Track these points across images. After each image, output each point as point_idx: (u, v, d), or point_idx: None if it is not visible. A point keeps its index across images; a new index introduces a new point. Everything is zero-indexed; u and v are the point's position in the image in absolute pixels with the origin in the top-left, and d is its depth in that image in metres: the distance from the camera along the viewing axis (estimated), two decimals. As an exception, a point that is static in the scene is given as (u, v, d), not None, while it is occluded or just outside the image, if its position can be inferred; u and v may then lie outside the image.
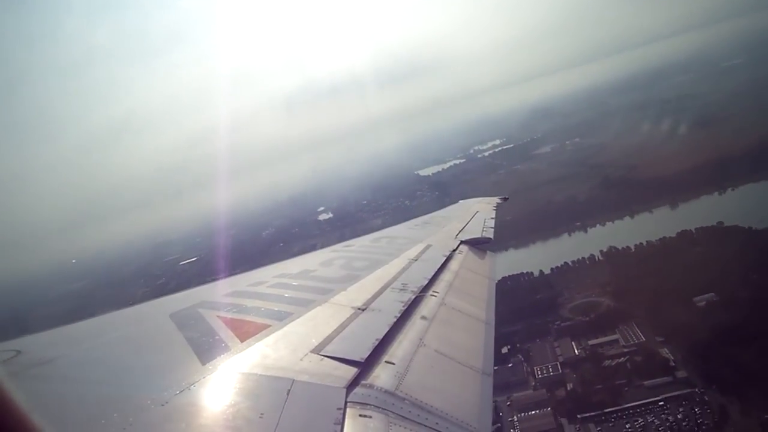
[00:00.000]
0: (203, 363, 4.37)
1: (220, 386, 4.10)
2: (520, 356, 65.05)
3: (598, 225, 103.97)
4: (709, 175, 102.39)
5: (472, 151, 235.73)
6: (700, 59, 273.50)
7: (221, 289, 6.93)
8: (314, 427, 3.67)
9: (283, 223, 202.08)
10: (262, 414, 3.65)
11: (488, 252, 9.80)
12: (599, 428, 49.75)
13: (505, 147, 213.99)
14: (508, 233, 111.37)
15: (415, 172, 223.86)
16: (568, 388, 55.97)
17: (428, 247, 9.30)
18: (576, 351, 62.10)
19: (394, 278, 7.25)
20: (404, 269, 7.79)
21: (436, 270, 7.88)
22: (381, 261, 8.28)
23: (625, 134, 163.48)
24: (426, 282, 7.20)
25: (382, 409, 4.00)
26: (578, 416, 51.20)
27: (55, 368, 4.46)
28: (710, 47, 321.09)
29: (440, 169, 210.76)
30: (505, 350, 66.51)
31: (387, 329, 5.37)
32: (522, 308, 74.65)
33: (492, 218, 12.34)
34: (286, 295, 6.53)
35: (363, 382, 4.31)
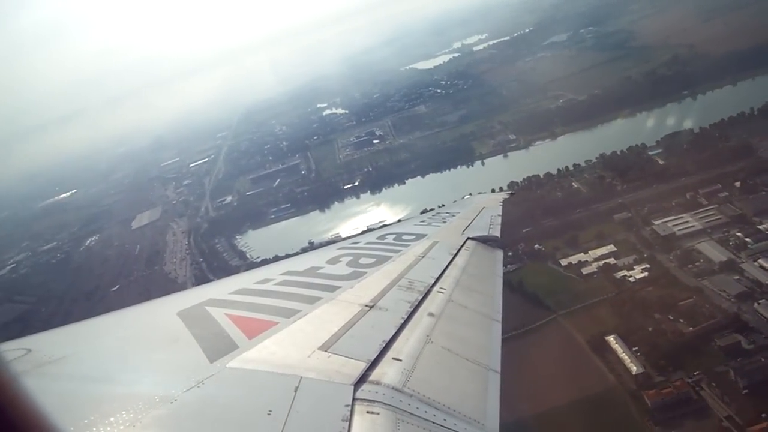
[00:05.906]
0: (211, 360, 4.44)
1: (229, 383, 4.15)
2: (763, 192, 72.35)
3: (699, 95, 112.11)
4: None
5: (459, 45, 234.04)
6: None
7: (228, 286, 6.99)
8: (322, 424, 3.76)
9: (286, 120, 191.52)
10: (270, 411, 3.73)
11: (495, 248, 9.83)
12: None
13: (499, 40, 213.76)
14: (605, 105, 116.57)
15: (410, 66, 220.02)
16: None
17: (435, 243, 9.34)
18: (823, 179, 70.26)
19: (401, 275, 7.34)
20: (411, 266, 7.86)
21: (443, 267, 7.99)
22: (388, 258, 8.29)
23: (646, 18, 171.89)
24: (433, 280, 7.33)
25: (390, 405, 4.09)
26: None
27: (65, 366, 4.51)
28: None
29: (440, 63, 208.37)
30: (737, 184, 74.02)
31: (394, 330, 5.45)
32: (720, 154, 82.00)
33: (499, 215, 12.23)
34: (293, 292, 6.52)
35: (370, 379, 4.41)
